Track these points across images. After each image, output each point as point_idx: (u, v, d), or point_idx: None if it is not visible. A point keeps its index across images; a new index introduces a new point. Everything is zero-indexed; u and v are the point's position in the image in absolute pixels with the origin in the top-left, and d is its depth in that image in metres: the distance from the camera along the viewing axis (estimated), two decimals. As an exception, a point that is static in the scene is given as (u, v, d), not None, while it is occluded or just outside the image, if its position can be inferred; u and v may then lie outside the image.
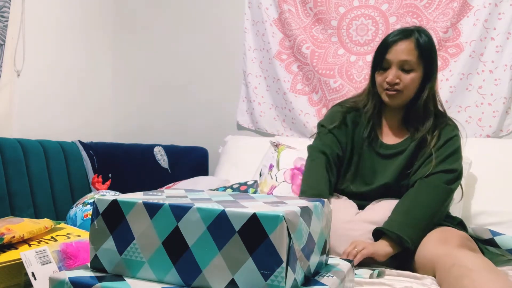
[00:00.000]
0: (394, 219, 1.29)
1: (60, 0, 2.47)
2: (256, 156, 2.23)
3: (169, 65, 2.78)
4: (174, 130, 2.74)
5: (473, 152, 1.84)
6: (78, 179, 2.19)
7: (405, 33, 1.40)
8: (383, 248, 1.24)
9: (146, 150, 2.49)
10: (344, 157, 1.49)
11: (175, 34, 2.76)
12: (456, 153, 1.40)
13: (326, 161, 1.47)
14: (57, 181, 2.07)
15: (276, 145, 2.06)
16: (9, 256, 0.97)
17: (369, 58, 2.10)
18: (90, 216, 1.50)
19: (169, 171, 2.49)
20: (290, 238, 0.66)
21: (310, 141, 1.64)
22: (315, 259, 0.78)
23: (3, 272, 0.93)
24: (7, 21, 2.10)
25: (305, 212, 0.73)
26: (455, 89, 2.08)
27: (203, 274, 0.68)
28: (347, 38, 2.29)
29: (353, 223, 1.32)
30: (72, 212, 1.56)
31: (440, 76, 2.11)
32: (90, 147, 2.33)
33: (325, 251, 0.85)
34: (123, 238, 0.74)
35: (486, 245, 1.44)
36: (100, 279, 0.71)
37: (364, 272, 1.10)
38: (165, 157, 2.50)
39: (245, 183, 1.96)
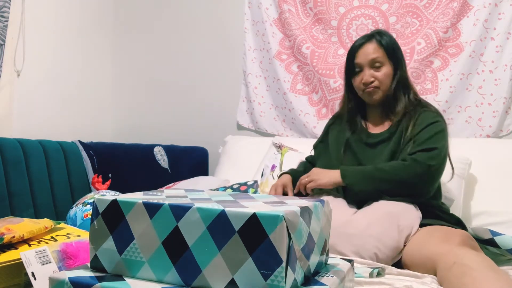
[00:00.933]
0: (353, 167, 1.48)
1: (60, 0, 2.47)
2: (256, 156, 2.23)
3: (169, 65, 2.78)
4: (174, 130, 2.74)
5: (473, 152, 1.84)
6: (78, 179, 2.19)
7: (366, 37, 1.56)
8: (328, 175, 1.46)
9: (146, 150, 2.49)
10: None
11: (175, 35, 2.76)
12: (435, 135, 1.44)
13: (304, 164, 1.77)
14: (57, 181, 2.07)
15: (279, 147, 2.06)
16: (9, 256, 0.97)
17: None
18: (90, 216, 1.50)
19: (169, 171, 2.49)
20: (290, 238, 0.66)
21: (311, 142, 1.71)
22: (315, 259, 0.78)
23: (3, 272, 0.93)
24: (7, 21, 2.10)
25: (305, 212, 0.73)
26: (455, 89, 2.08)
27: (203, 274, 0.68)
28: (347, 38, 2.29)
29: (352, 221, 1.32)
30: (72, 212, 1.56)
31: (440, 76, 2.11)
32: (90, 147, 2.33)
33: (325, 250, 0.85)
34: (123, 238, 0.74)
35: (486, 245, 1.44)
36: (100, 279, 0.71)
37: (364, 271, 1.10)
38: (165, 157, 2.50)
39: (245, 183, 1.96)
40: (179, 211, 0.70)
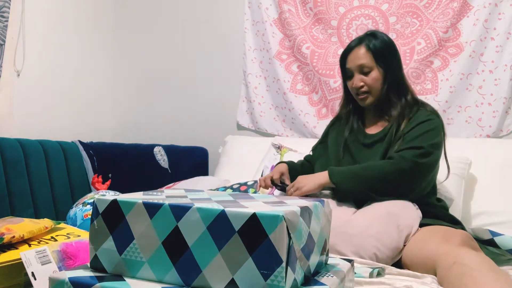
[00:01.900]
0: (340, 167, 1.49)
1: (60, 0, 2.47)
2: (256, 156, 2.23)
3: (169, 65, 2.78)
4: (174, 130, 2.74)
5: (473, 152, 1.84)
6: (78, 179, 2.19)
7: (356, 42, 1.57)
8: (313, 179, 1.47)
9: (146, 150, 2.49)
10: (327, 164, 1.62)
11: (175, 35, 2.76)
12: (425, 134, 1.44)
13: (302, 162, 1.78)
14: (57, 181, 2.07)
15: (279, 147, 2.06)
16: (9, 256, 0.97)
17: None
18: (90, 216, 1.50)
19: (169, 171, 2.49)
20: (290, 238, 0.66)
21: (311, 142, 1.70)
22: (315, 259, 0.78)
23: (3, 272, 0.93)
24: (7, 21, 2.10)
25: (305, 212, 0.73)
26: (455, 89, 2.08)
27: (203, 274, 0.68)
28: (347, 38, 2.29)
29: (351, 221, 1.32)
30: (72, 212, 1.56)
31: (440, 76, 2.11)
32: (90, 147, 2.33)
33: (325, 250, 0.85)
34: (123, 238, 0.74)
35: (486, 245, 1.44)
36: (100, 279, 0.71)
37: (364, 271, 1.10)
38: (165, 157, 2.50)
39: (245, 183, 1.96)
40: (179, 211, 0.70)
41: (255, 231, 0.66)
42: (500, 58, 2.02)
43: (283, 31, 2.43)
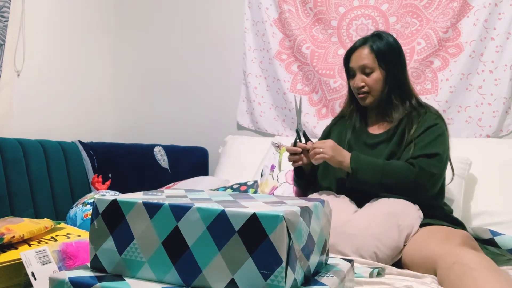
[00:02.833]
0: (365, 156, 1.47)
1: (60, 0, 2.47)
2: (256, 156, 2.23)
3: (169, 65, 2.78)
4: (174, 130, 2.74)
5: (473, 152, 1.84)
6: (78, 179, 2.18)
7: (360, 42, 1.57)
8: (339, 158, 1.45)
9: (146, 150, 2.49)
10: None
11: (175, 34, 2.76)
12: (437, 139, 1.45)
13: None
14: (57, 181, 2.07)
15: (278, 146, 2.06)
16: (9, 256, 0.97)
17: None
18: (90, 216, 1.50)
19: (169, 171, 2.49)
20: (290, 238, 0.66)
21: None
22: (315, 259, 0.78)
23: (3, 272, 0.93)
24: (7, 21, 2.10)
25: (305, 212, 0.73)
26: (455, 89, 2.08)
27: (203, 274, 0.68)
28: (347, 38, 2.29)
29: (352, 221, 1.32)
30: (72, 212, 1.56)
31: (440, 76, 2.11)
32: (90, 147, 2.33)
33: (325, 250, 0.85)
34: (123, 238, 0.74)
35: (486, 245, 1.44)
36: (100, 279, 0.71)
37: (364, 271, 1.10)
38: (165, 157, 2.50)
39: (245, 183, 1.96)
40: (179, 211, 0.70)
41: (255, 231, 0.66)
42: (500, 58, 2.02)
43: (283, 31, 2.43)
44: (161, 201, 0.72)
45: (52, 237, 1.12)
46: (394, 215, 1.32)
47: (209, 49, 2.67)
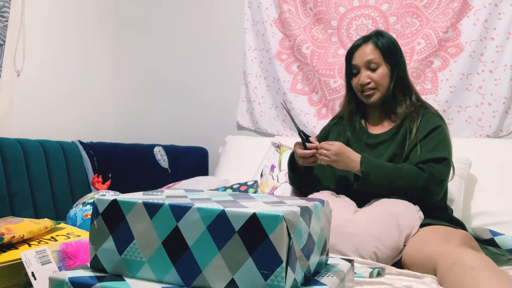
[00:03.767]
0: (374, 159, 1.45)
1: (60, 0, 2.47)
2: (256, 156, 2.23)
3: (169, 65, 2.78)
4: (174, 130, 2.74)
5: (473, 152, 1.84)
6: (78, 179, 2.18)
7: (363, 39, 1.57)
8: (346, 162, 1.43)
9: (146, 150, 2.49)
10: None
11: (175, 34, 2.76)
12: (443, 142, 1.45)
13: None
14: (57, 181, 2.07)
15: (278, 146, 2.06)
16: (9, 256, 0.97)
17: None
18: (90, 216, 1.50)
19: (169, 171, 2.49)
20: (290, 238, 0.66)
21: None
22: (315, 259, 0.78)
23: (3, 272, 0.93)
24: (7, 21, 2.10)
25: (305, 212, 0.73)
26: (455, 89, 2.08)
27: (203, 274, 0.68)
28: (347, 38, 2.29)
29: (352, 221, 1.32)
30: (72, 212, 1.56)
31: (440, 76, 2.11)
32: (90, 147, 2.33)
33: (325, 250, 0.85)
34: (123, 238, 0.74)
35: (486, 245, 1.44)
36: (100, 279, 0.71)
37: (364, 271, 1.10)
38: (165, 157, 2.50)
39: (245, 183, 1.96)
40: (179, 211, 0.70)
41: (255, 231, 0.66)
42: (500, 58, 2.02)
43: (283, 31, 2.43)
44: (161, 201, 0.72)
45: (52, 237, 1.12)
46: (394, 215, 1.32)
47: (209, 49, 2.67)
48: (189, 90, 2.73)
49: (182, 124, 2.74)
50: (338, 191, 1.55)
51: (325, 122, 1.84)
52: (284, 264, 0.65)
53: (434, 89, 2.12)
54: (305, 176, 1.66)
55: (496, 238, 1.40)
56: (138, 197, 0.77)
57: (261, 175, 2.01)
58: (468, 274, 1.01)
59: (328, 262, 0.88)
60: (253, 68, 2.52)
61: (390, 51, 1.54)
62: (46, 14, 2.37)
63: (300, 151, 1.52)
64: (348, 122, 1.65)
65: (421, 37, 2.14)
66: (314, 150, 1.49)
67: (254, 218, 0.66)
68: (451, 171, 1.55)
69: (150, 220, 0.72)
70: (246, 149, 2.34)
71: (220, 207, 0.69)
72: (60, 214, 2.04)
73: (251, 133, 2.56)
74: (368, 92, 1.55)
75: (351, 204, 1.45)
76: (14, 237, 1.02)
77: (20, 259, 0.94)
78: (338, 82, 2.28)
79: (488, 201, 1.76)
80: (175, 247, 0.70)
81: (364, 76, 1.53)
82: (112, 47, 2.87)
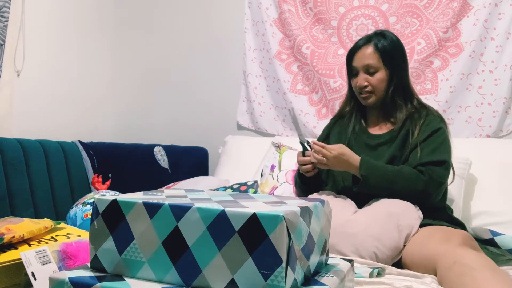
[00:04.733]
0: (374, 161, 1.44)
1: (60, 0, 2.47)
2: (256, 156, 2.23)
3: (169, 65, 2.78)
4: (174, 130, 2.74)
5: (473, 152, 1.84)
6: (78, 179, 2.19)
7: (364, 40, 1.55)
8: (345, 165, 1.43)
9: (146, 150, 2.49)
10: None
11: (175, 34, 2.76)
12: (443, 144, 1.45)
13: None
14: (57, 181, 2.07)
15: (278, 146, 2.06)
16: (9, 256, 0.97)
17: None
18: (90, 216, 1.50)
19: (169, 171, 2.49)
20: (290, 238, 0.66)
21: None
22: (315, 259, 0.78)
23: (3, 272, 0.93)
24: (7, 21, 2.10)
25: (305, 212, 0.73)
26: (455, 89, 2.08)
27: (203, 274, 0.68)
28: (347, 38, 2.29)
29: (351, 221, 1.32)
30: (72, 212, 1.56)
31: (440, 76, 2.11)
32: (90, 147, 2.33)
33: (325, 250, 0.85)
34: (123, 238, 0.74)
35: (486, 245, 1.44)
36: (100, 279, 0.71)
37: (364, 271, 1.10)
38: (165, 157, 2.50)
39: (245, 183, 1.96)
40: (179, 211, 0.70)
41: (255, 231, 0.66)
42: (500, 58, 2.02)
43: (283, 31, 2.43)
44: (161, 201, 0.72)
45: (52, 237, 1.12)
46: (394, 215, 1.32)
47: (209, 49, 2.67)
48: (189, 90, 2.73)
49: (182, 124, 2.73)
50: (338, 191, 1.55)
51: (325, 122, 1.84)
52: (284, 264, 0.65)
53: (434, 89, 2.12)
54: (314, 182, 1.64)
55: (496, 238, 1.40)
56: (138, 197, 0.77)
57: (261, 175, 2.01)
58: (468, 274, 1.01)
59: (328, 262, 0.88)
60: (253, 68, 2.52)
61: (391, 55, 1.51)
62: (46, 14, 2.37)
63: (299, 158, 1.55)
64: (349, 121, 1.64)
65: (421, 37, 2.14)
66: (311, 158, 1.49)
67: (254, 218, 0.66)
68: (451, 174, 1.54)
69: (150, 220, 0.72)
70: (246, 149, 2.34)
71: (220, 207, 0.69)
72: (60, 214, 2.04)
73: (251, 133, 2.56)
74: (364, 95, 1.54)
75: (351, 204, 1.45)
76: (14, 237, 1.02)
77: (20, 259, 0.94)
78: (338, 82, 2.28)
79: (488, 201, 1.76)
80: (175, 247, 0.70)
81: (362, 79, 1.53)
82: (112, 47, 2.87)
